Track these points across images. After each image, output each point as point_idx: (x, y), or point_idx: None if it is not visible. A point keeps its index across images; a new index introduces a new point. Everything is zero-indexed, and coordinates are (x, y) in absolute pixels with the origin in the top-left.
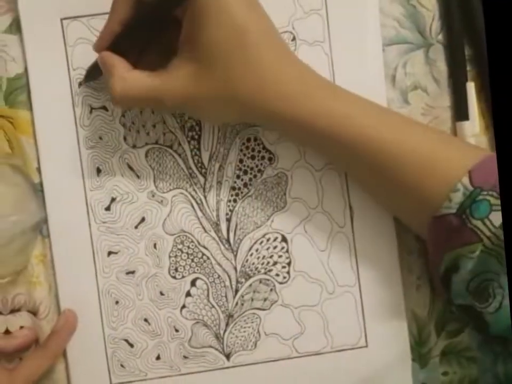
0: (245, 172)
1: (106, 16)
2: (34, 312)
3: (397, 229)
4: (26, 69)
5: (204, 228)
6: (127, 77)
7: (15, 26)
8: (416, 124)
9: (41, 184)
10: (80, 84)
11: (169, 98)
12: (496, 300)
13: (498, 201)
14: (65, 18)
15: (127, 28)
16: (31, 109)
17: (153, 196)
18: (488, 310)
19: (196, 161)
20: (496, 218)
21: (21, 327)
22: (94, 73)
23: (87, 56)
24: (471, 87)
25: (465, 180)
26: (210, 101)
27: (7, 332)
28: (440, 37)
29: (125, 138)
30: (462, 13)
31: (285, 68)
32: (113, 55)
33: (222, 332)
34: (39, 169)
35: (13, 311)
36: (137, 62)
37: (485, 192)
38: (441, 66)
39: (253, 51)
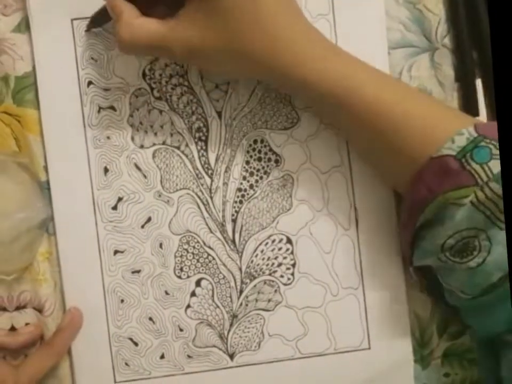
0: (251, 174)
1: None
2: (39, 309)
3: None
4: (34, 68)
5: (209, 228)
6: (135, 23)
7: (24, 25)
8: (419, 91)
9: (47, 182)
10: (86, 30)
11: (177, 47)
12: (481, 255)
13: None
14: (75, 19)
15: None
16: (38, 107)
17: (159, 196)
18: (469, 264)
19: (202, 162)
20: (495, 166)
21: (26, 324)
22: (99, 20)
23: (96, 56)
24: (479, 84)
25: (471, 128)
26: (218, 53)
27: (12, 328)
28: (445, 40)
29: (132, 138)
30: (468, 17)
31: (295, 27)
32: (122, 1)
33: (226, 332)
34: (46, 168)
35: (18, 308)
36: (147, 13)
37: (488, 140)
38: (447, 70)
39: (266, 7)
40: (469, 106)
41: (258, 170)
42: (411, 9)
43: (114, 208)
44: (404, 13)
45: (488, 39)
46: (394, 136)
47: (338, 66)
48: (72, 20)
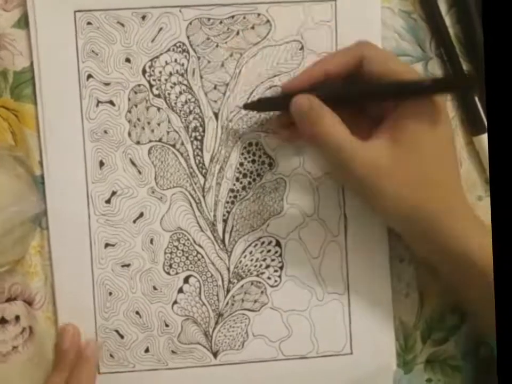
0: (245, 175)
1: (120, 12)
2: (29, 302)
3: (389, 238)
4: (32, 62)
5: (200, 227)
6: (338, 126)
7: (24, 21)
8: None
9: (42, 177)
10: (244, 107)
11: (360, 163)
12: None
13: None
14: (78, 11)
15: (327, 85)
16: (36, 102)
17: (153, 192)
18: None
19: (197, 161)
20: None
21: (16, 316)
22: (262, 106)
23: (97, 50)
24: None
25: None
26: (389, 195)
27: (2, 320)
28: (438, 51)
29: (129, 134)
30: (462, 28)
31: (463, 203)
32: (323, 105)
33: (211, 330)
34: (41, 163)
35: (9, 299)
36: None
37: None
38: None
39: (451, 175)
40: (472, 114)
41: (251, 172)
42: (406, 18)
43: (108, 201)
44: (399, 22)
45: (481, 50)
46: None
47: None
48: (75, 12)
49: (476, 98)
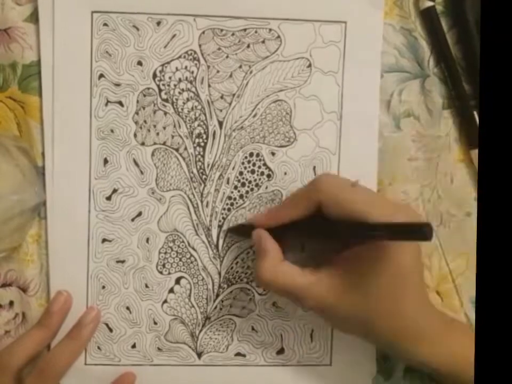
0: (243, 184)
1: (137, 16)
2: (24, 289)
3: None
4: (40, 57)
5: (196, 230)
6: (279, 269)
7: (36, 16)
8: None
9: (43, 167)
10: (226, 232)
11: (311, 301)
12: None
13: None
14: (95, 12)
15: (293, 224)
16: (41, 94)
17: (153, 193)
18: None
19: (198, 167)
20: None
21: (10, 302)
22: (236, 233)
23: (111, 51)
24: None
25: None
26: (347, 318)
27: None
28: (436, 69)
29: (135, 135)
30: (461, 46)
31: (423, 318)
32: (270, 240)
33: (197, 332)
34: (43, 154)
35: (4, 285)
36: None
37: None
38: (436, 97)
39: (403, 300)
40: (469, 132)
41: (250, 182)
42: (407, 35)
43: (109, 198)
44: (400, 39)
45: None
46: None
47: (454, 349)
48: (92, 12)
49: (475, 113)
